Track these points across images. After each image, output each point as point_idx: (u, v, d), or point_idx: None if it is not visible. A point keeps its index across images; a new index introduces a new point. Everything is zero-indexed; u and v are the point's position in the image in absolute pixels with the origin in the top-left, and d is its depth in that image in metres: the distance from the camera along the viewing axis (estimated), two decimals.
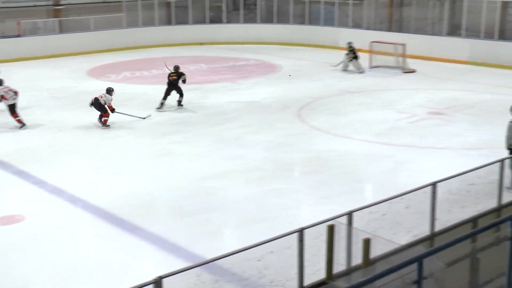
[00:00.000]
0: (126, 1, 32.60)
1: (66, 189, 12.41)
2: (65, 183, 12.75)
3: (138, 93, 21.58)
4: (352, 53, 25.01)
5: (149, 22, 33.32)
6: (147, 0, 33.44)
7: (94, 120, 17.64)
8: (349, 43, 25.23)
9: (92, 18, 31.24)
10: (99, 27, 31.61)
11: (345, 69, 25.13)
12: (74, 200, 11.88)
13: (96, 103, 17.10)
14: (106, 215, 11.20)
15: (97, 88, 20.94)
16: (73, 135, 16.45)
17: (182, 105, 19.25)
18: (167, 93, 19.03)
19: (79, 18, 31.71)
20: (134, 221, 10.86)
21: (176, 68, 19.37)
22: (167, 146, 15.32)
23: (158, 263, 9.63)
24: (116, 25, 32.33)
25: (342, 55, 25.89)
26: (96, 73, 25.04)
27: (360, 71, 24.85)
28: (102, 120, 17.08)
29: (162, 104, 19.00)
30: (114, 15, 32.35)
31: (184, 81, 19.23)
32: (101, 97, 17.16)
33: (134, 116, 17.78)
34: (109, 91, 17.39)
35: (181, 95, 19.24)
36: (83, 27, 31.46)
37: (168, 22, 34.69)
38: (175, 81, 19.12)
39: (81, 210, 11.49)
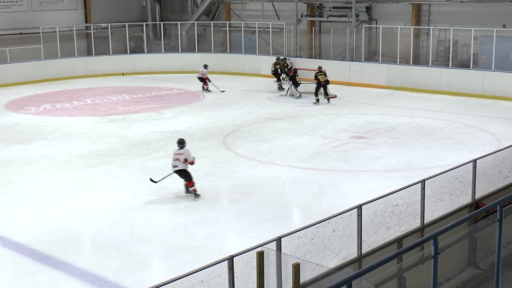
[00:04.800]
0: (44, 32, 31.96)
1: None
2: None
3: (60, 125, 21.11)
4: (294, 79, 25.54)
5: (68, 53, 32.75)
6: (66, 31, 32.91)
7: (14, 154, 17.13)
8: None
9: (8, 49, 30.45)
10: (16, 58, 30.84)
11: (292, 95, 25.45)
12: None
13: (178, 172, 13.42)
14: (28, 251, 10.85)
15: (17, 122, 20.42)
16: None
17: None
18: (318, 90, 23.84)
19: None
20: (58, 257, 10.56)
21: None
22: (89, 179, 15.02)
23: None
24: (34, 56, 31.62)
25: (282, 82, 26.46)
26: (14, 106, 24.38)
27: (297, 96, 25.28)
28: (191, 189, 13.46)
29: (318, 100, 23.79)
30: (32, 47, 31.64)
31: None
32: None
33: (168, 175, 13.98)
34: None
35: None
36: None
37: (88, 53, 34.23)
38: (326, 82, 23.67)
39: (1, 248, 11.09)
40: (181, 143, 13.53)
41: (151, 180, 13.82)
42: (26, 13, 33.31)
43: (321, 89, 24.00)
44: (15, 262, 10.62)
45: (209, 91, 27.24)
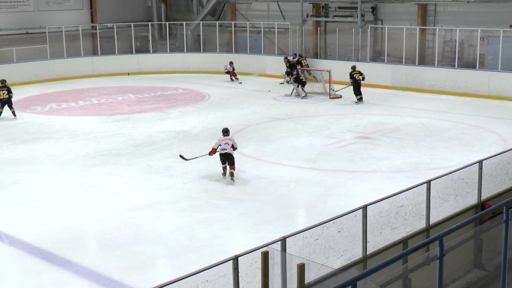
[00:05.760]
0: (50, 32, 32.04)
1: None
2: None
3: (66, 124, 21.16)
4: (300, 79, 25.53)
5: (74, 53, 32.81)
6: (72, 31, 32.98)
7: (20, 153, 17.20)
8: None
9: (14, 49, 30.53)
10: (22, 58, 30.92)
11: (298, 95, 25.44)
12: (0, 236, 11.48)
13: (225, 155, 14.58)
14: (34, 250, 10.89)
15: (23, 121, 20.48)
16: None
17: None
18: (357, 89, 23.93)
19: (1, 50, 30.92)
20: (64, 256, 10.60)
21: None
22: (95, 178, 15.04)
23: None
24: (40, 56, 31.70)
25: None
26: (20, 105, 24.40)
27: (303, 96, 25.27)
28: (232, 171, 14.56)
29: (361, 98, 23.93)
30: (38, 46, 31.72)
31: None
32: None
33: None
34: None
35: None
36: (6, 59, 30.67)
37: (94, 53, 34.30)
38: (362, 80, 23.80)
39: (8, 246, 11.12)
40: (227, 131, 14.89)
41: (182, 157, 15.16)
42: (32, 13, 33.37)
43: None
44: (21, 260, 10.66)
45: (234, 79, 29.94)
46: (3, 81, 22.07)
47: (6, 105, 21.84)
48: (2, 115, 21.82)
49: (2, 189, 14.37)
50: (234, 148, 14.62)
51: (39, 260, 10.57)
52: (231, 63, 30.40)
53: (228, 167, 14.58)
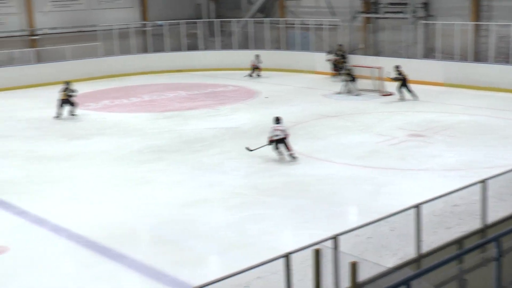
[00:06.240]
0: (102, 30, 32.57)
1: (48, 218, 12.29)
2: (47, 213, 12.64)
3: (119, 120, 21.51)
4: (350, 76, 25.42)
5: (125, 51, 33.28)
6: (123, 29, 33.45)
7: (74, 149, 17.56)
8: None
9: (68, 47, 31.13)
10: (75, 56, 31.50)
11: (349, 92, 25.29)
12: (57, 229, 11.74)
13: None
14: (89, 243, 11.11)
15: (77, 118, 20.85)
16: (52, 165, 16.28)
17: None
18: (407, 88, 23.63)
19: (55, 48, 31.58)
20: (117, 250, 10.77)
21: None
22: (146, 174, 15.22)
23: None
24: (92, 54, 32.26)
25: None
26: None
27: (356, 93, 25.10)
28: (291, 152, 15.94)
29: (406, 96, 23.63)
30: (90, 44, 32.28)
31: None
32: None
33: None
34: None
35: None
36: (59, 57, 31.32)
37: (145, 50, 34.71)
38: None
39: (64, 240, 11.36)
40: (277, 119, 16.33)
41: (247, 148, 16.26)
42: (84, 12, 33.93)
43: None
44: (77, 253, 10.89)
45: (251, 76, 30.31)
46: (67, 83, 22.27)
47: (70, 105, 22.06)
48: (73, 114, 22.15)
49: (57, 184, 14.68)
50: (286, 134, 15.79)
51: (94, 253, 10.78)
52: (257, 56, 30.38)
53: (285, 152, 15.78)
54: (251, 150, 16.21)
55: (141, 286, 9.80)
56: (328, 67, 29.72)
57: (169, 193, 13.87)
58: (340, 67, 28.36)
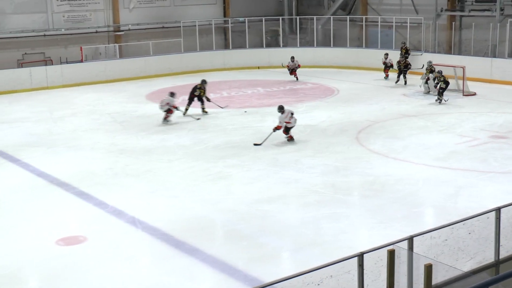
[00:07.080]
0: (184, 27, 33.14)
1: (125, 211, 12.60)
2: (125, 205, 12.95)
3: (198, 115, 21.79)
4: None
5: (206, 47, 33.75)
6: (205, 25, 33.92)
7: (153, 143, 17.95)
8: (429, 62, 25.27)
9: (151, 43, 31.85)
10: (158, 51, 32.20)
11: (427, 92, 24.78)
12: (134, 222, 12.03)
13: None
14: (164, 237, 11.31)
15: (157, 112, 21.29)
16: (132, 158, 16.69)
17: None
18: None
19: (138, 43, 32.39)
20: (192, 244, 10.93)
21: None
22: (223, 170, 15.38)
23: (216, 286, 9.66)
24: (175, 49, 32.87)
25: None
26: (155, 97, 25.42)
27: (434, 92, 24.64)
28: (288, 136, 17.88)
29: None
30: (173, 40, 32.91)
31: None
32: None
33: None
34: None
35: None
36: (143, 52, 32.10)
37: (225, 47, 35.10)
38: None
39: (141, 232, 11.63)
40: (282, 108, 17.81)
41: (256, 144, 17.20)
42: (168, 8, 34.64)
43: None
44: (153, 246, 11.11)
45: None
46: (203, 81, 22.46)
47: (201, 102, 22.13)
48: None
49: (136, 177, 15.03)
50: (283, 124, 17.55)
51: (169, 246, 10.97)
52: (292, 58, 29.04)
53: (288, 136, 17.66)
54: (259, 145, 17.23)
55: (213, 280, 9.90)
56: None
57: (245, 189, 13.97)
58: (404, 70, 27.23)
